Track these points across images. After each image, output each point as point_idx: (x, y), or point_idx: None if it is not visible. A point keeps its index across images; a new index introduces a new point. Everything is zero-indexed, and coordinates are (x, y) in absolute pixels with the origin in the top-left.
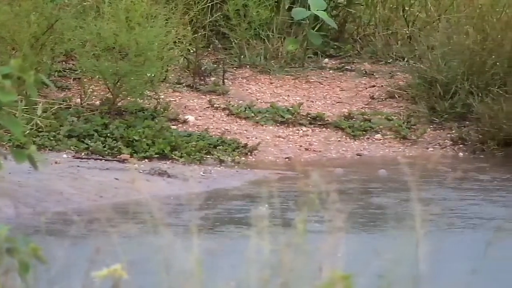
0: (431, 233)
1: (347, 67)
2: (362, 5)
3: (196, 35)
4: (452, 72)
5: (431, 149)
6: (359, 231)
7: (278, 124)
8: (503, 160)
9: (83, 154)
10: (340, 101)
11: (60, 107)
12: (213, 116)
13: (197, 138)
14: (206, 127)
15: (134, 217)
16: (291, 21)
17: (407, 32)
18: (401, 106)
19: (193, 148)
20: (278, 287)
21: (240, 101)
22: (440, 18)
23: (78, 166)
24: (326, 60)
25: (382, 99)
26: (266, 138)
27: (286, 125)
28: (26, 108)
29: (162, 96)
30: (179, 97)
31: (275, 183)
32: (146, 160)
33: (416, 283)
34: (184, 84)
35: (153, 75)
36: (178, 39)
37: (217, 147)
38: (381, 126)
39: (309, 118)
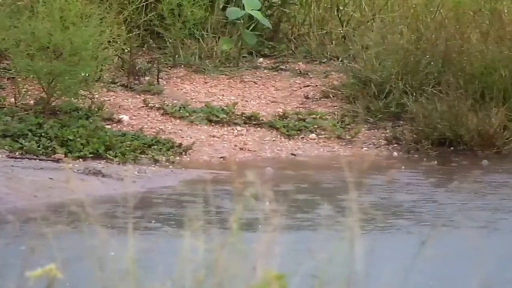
0: (365, 233)
1: (281, 66)
2: (297, 5)
3: (130, 34)
4: (386, 71)
5: (366, 148)
6: (294, 230)
7: (212, 124)
8: (437, 159)
9: (17, 153)
10: (274, 101)
11: None
12: (148, 115)
13: (132, 137)
14: (140, 126)
15: (69, 217)
16: (226, 21)
17: (341, 31)
18: (336, 106)
19: (128, 148)
20: (213, 287)
21: (175, 101)
22: (374, 17)
23: (13, 166)
24: (261, 59)
25: (317, 98)
26: (201, 138)
27: (220, 124)
28: None
29: (97, 96)
30: (114, 97)
31: (210, 182)
32: (81, 159)
33: (349, 283)
34: (118, 84)
35: (87, 74)
36: (113, 38)
37: (152, 147)
38: (315, 126)
39: (243, 117)
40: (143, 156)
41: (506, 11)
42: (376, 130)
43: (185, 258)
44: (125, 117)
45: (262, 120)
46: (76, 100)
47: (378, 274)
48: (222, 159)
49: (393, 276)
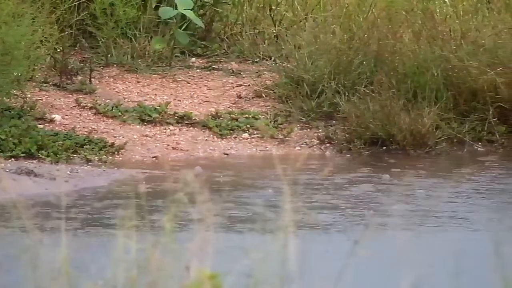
0: (300, 232)
1: (214, 66)
2: (229, 4)
3: (63, 34)
4: (319, 71)
5: (298, 148)
6: (227, 229)
7: (145, 123)
8: (369, 159)
9: None
10: (207, 100)
11: None
12: (80, 115)
13: (64, 137)
14: (73, 126)
15: (0, 217)
16: (158, 20)
17: (274, 31)
18: (268, 105)
19: (60, 147)
20: (146, 286)
21: (107, 100)
22: (307, 17)
23: None
24: (194, 59)
25: (249, 98)
26: (133, 137)
27: (153, 124)
28: None
29: (29, 95)
30: (46, 96)
31: (142, 182)
32: (13, 159)
33: (284, 282)
34: (51, 83)
35: (19, 74)
36: (45, 38)
37: (84, 146)
38: (248, 125)
39: (176, 117)
40: (75, 155)
41: (438, 10)
42: (308, 130)
43: (118, 257)
44: (57, 117)
45: (194, 119)
46: (8, 99)
47: (312, 273)
48: (154, 158)
49: (327, 275)
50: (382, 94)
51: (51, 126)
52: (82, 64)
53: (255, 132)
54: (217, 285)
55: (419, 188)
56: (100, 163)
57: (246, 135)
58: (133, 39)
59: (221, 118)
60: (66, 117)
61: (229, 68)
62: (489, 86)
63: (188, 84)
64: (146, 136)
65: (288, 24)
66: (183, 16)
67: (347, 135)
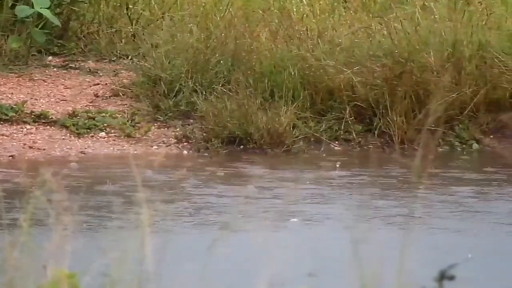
0: (158, 232)
1: (71, 65)
2: (86, 3)
3: None
4: (176, 70)
5: (156, 147)
6: (85, 228)
7: (1, 122)
8: (226, 158)
9: None
10: (64, 99)
11: None
12: None
13: None
14: None
15: None
16: (15, 19)
17: (131, 30)
18: (126, 104)
19: None
20: (3, 286)
21: None
22: (164, 16)
23: None
24: (50, 58)
25: (107, 97)
26: None
27: (9, 123)
28: None
29: None
30: None
31: None
32: None
33: (141, 282)
34: None
35: None
36: None
37: None
38: (105, 124)
39: (33, 116)
40: None
41: (295, 9)
42: (166, 129)
43: None
44: None
45: (51, 118)
46: None
47: (171, 272)
48: (11, 157)
49: (186, 274)
50: (239, 93)
51: None
52: None
53: (112, 131)
54: (74, 285)
55: (279, 187)
56: None
57: (103, 134)
58: None
59: (78, 117)
60: None
61: (86, 67)
62: (345, 85)
63: (45, 83)
64: (3, 135)
65: (145, 23)
66: (40, 15)
67: (204, 134)
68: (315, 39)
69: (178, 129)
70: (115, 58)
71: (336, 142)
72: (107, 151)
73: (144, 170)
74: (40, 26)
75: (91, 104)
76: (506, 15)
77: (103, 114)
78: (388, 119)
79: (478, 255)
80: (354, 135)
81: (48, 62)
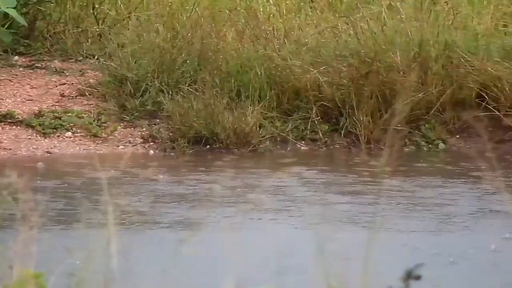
0: (124, 231)
1: (37, 64)
2: (52, 3)
3: None
4: (142, 70)
5: (122, 147)
6: (50, 229)
7: None
8: (193, 158)
9: None
10: (30, 99)
11: None
12: None
13: None
14: None
15: None
16: None
17: (97, 30)
18: (92, 104)
19: None
20: None
21: None
22: (130, 16)
23: None
24: (16, 57)
25: (73, 97)
26: None
27: None
28: None
29: None
30: None
31: None
32: None
33: (107, 281)
34: None
35: None
36: None
37: None
38: (71, 124)
39: None
40: None
41: (261, 9)
42: (132, 129)
43: None
44: None
45: (17, 118)
46: None
47: (136, 272)
48: None
49: (151, 274)
50: (205, 93)
51: None
52: None
53: (78, 130)
54: (41, 285)
55: (245, 187)
56: None
57: (69, 133)
58: None
59: (44, 117)
60: None
61: (53, 66)
62: (312, 85)
63: (11, 83)
64: None
65: (111, 22)
66: (6, 15)
67: (171, 134)
68: (281, 39)
69: (144, 129)
70: (81, 58)
71: (303, 142)
72: (73, 151)
73: (110, 170)
74: (6, 26)
75: (57, 104)
76: (472, 15)
77: (69, 114)
78: (355, 119)
79: (444, 254)
80: (320, 135)
81: (14, 62)
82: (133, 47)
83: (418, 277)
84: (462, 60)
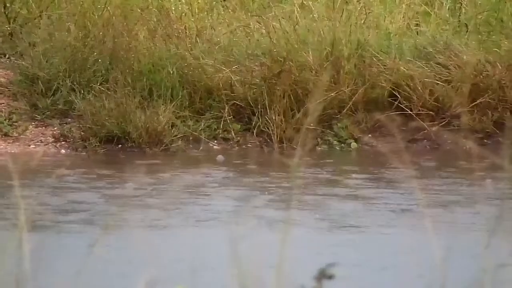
0: (36, 232)
1: None
2: None
3: None
4: (54, 69)
5: (33, 146)
6: None
7: None
8: (105, 157)
9: None
10: None
11: None
12: None
13: None
14: None
15: None
16: None
17: (8, 28)
18: (3, 103)
19: None
20: None
21: None
22: (41, 14)
23: None
24: None
25: None
26: None
27: None
28: None
29: None
30: None
31: None
32: None
33: (19, 282)
34: None
35: None
36: None
37: None
38: None
39: None
40: None
41: (173, 8)
42: (44, 128)
43: None
44: None
45: None
46: None
47: (49, 274)
48: None
49: (64, 275)
50: (117, 92)
51: None
52: None
53: None
54: None
55: (158, 185)
56: None
57: None
58: None
59: None
60: None
61: None
62: (224, 84)
63: None
64: None
65: (23, 21)
66: None
67: (82, 133)
68: (193, 38)
69: (56, 128)
70: None
71: (215, 141)
72: None
73: (22, 169)
74: None
75: None
76: (384, 14)
77: None
78: (267, 118)
79: (360, 252)
80: (233, 134)
81: None
82: (45, 46)
83: (331, 276)
84: (375, 59)
